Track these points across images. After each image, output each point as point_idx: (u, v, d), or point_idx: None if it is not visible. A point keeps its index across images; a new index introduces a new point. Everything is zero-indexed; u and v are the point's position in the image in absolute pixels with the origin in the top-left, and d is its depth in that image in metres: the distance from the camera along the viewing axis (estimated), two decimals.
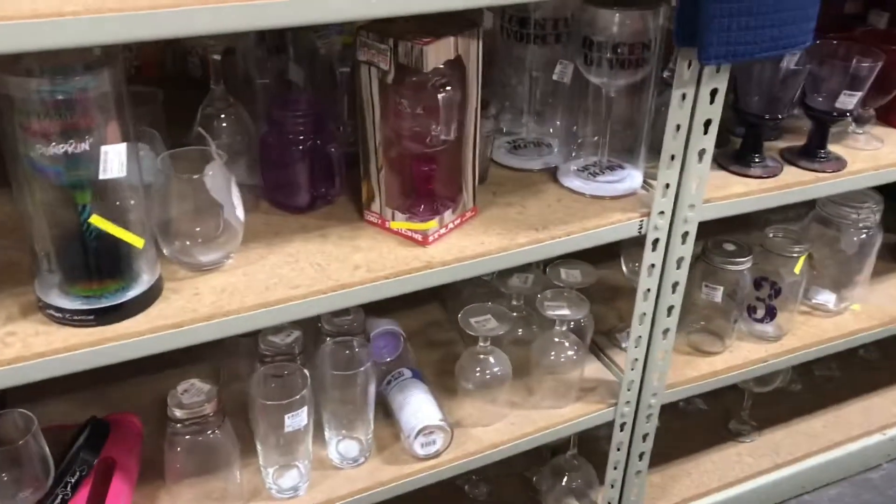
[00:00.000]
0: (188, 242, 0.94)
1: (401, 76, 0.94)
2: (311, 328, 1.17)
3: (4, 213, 1.04)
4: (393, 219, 1.04)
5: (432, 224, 1.01)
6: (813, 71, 1.20)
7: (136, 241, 0.86)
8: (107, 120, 0.79)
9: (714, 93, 1.03)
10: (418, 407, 1.17)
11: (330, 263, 0.98)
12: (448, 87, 0.95)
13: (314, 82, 1.15)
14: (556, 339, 1.23)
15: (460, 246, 1.03)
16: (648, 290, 1.18)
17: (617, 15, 1.03)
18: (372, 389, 1.12)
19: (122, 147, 0.80)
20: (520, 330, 1.32)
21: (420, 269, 0.99)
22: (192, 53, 1.31)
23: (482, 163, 1.15)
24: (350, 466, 1.15)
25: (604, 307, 1.43)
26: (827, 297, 1.50)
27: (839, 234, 1.45)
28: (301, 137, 1.04)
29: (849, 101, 1.21)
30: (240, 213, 0.95)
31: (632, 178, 1.16)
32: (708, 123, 1.05)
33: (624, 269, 1.33)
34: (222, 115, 1.06)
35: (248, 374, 1.13)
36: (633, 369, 1.26)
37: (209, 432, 1.01)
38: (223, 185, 0.93)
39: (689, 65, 1.00)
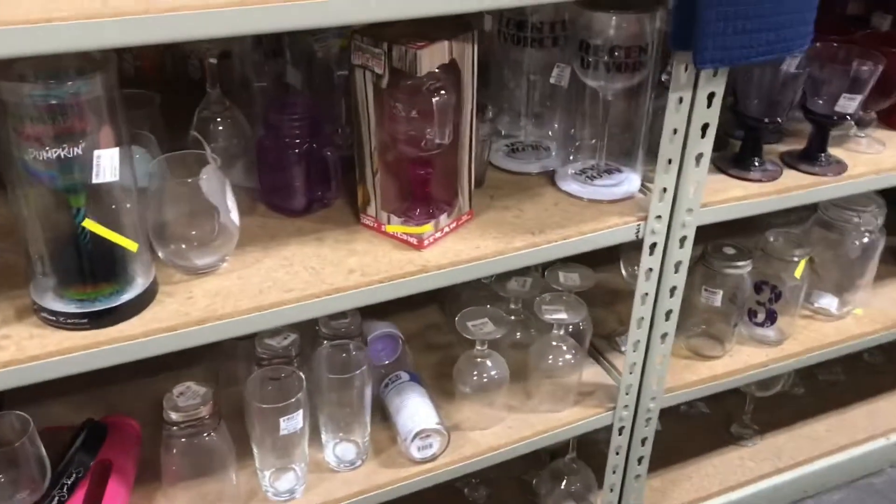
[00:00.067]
0: (183, 246, 0.94)
1: (395, 80, 0.94)
2: (309, 331, 1.17)
3: (0, 217, 1.04)
4: (389, 222, 1.04)
5: (427, 228, 1.01)
6: (813, 74, 1.19)
7: (130, 245, 0.86)
8: (100, 124, 0.80)
9: (711, 96, 1.02)
10: (415, 410, 1.17)
11: (325, 267, 0.98)
12: (442, 91, 0.95)
13: (312, 85, 1.15)
14: (554, 343, 1.23)
15: (456, 250, 1.02)
16: (646, 294, 1.18)
17: (613, 18, 1.02)
18: (368, 392, 1.12)
19: (114, 151, 0.80)
20: (518, 333, 1.32)
21: (415, 273, 0.99)
22: (192, 56, 1.31)
23: (479, 166, 1.15)
24: (347, 469, 1.15)
25: (604, 311, 1.43)
26: (829, 301, 1.49)
27: (841, 237, 1.44)
28: (297, 141, 1.04)
29: (849, 104, 1.20)
30: (235, 216, 0.95)
31: (629, 181, 1.16)
32: (705, 127, 1.05)
33: (623, 272, 1.33)
34: (218, 119, 1.07)
35: (245, 376, 1.13)
36: (631, 373, 1.25)
37: (205, 435, 1.01)
38: (218, 189, 0.93)
39: (686, 68, 0.99)
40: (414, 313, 1.45)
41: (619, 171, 1.18)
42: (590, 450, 1.45)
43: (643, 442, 1.35)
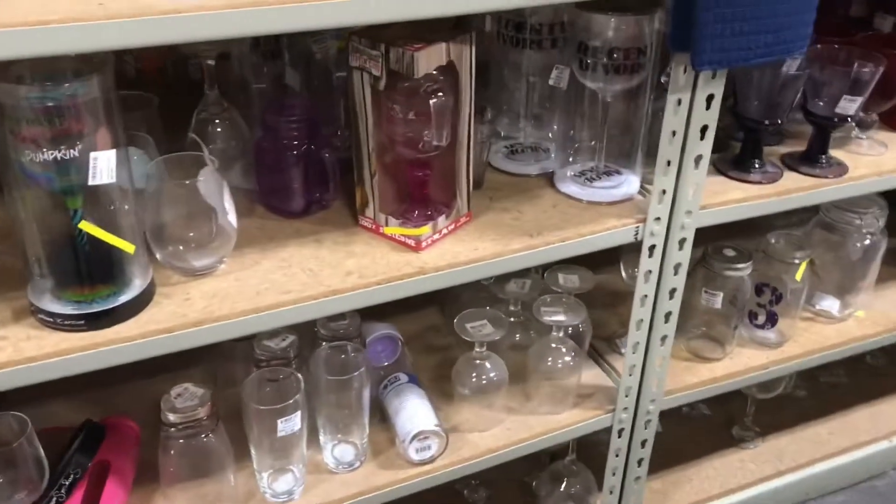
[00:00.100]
0: (181, 247, 0.94)
1: (393, 82, 0.94)
2: (308, 332, 1.17)
3: None
4: (386, 224, 1.04)
5: (425, 230, 1.01)
6: (813, 76, 1.19)
7: (128, 247, 0.86)
8: (97, 126, 0.80)
9: (710, 98, 1.02)
10: (414, 412, 1.17)
11: (322, 269, 0.98)
12: (440, 93, 0.95)
13: (310, 87, 1.15)
14: (554, 345, 1.23)
15: (454, 252, 1.02)
16: (645, 296, 1.17)
17: (612, 20, 1.02)
18: (367, 394, 1.12)
19: (111, 153, 0.81)
20: (517, 335, 1.32)
21: (412, 274, 0.98)
22: (193, 58, 1.32)
23: (478, 168, 1.15)
24: (345, 471, 1.15)
25: (604, 312, 1.42)
26: (830, 304, 1.48)
27: (843, 239, 1.43)
28: (295, 143, 1.04)
29: (850, 106, 1.19)
30: (232, 218, 0.95)
31: (629, 183, 1.16)
32: (704, 129, 1.05)
33: (623, 274, 1.32)
34: (216, 120, 1.07)
35: (244, 377, 1.13)
36: (630, 375, 1.25)
37: (203, 436, 1.01)
38: (216, 190, 0.93)
39: (685, 70, 0.99)
40: (414, 315, 1.45)
41: (619, 172, 1.17)
42: (590, 452, 1.44)
43: (643, 444, 1.35)
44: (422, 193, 1.06)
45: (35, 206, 0.83)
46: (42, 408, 1.15)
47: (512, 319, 1.30)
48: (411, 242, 1.02)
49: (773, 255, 1.35)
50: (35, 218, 0.83)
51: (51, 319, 0.85)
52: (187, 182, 0.91)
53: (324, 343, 1.14)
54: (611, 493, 1.40)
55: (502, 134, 1.27)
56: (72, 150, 0.78)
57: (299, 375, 1.07)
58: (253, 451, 1.09)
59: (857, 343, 1.46)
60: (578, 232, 1.07)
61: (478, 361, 1.20)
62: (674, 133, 1.04)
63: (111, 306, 0.87)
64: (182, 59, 1.35)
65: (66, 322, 0.85)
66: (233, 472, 1.07)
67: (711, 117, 1.04)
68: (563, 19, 1.13)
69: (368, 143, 1.00)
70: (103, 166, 0.80)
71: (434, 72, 0.93)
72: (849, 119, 1.22)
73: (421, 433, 1.14)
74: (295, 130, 1.04)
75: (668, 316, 1.20)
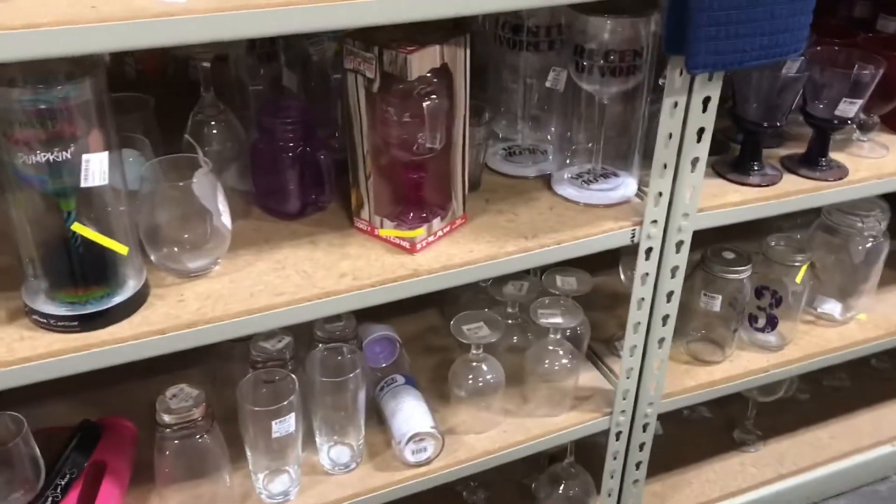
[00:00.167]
0: (175, 249, 0.94)
1: (386, 84, 0.94)
2: (305, 334, 1.17)
3: None
4: (382, 226, 1.04)
5: (420, 232, 1.01)
6: (813, 78, 1.18)
7: (121, 249, 0.87)
8: (89, 128, 0.80)
9: (707, 101, 1.02)
10: (410, 414, 1.17)
11: (317, 271, 0.99)
12: (434, 96, 0.95)
13: (307, 89, 1.15)
14: (551, 347, 1.23)
15: (448, 254, 1.02)
16: (643, 299, 1.17)
17: (608, 22, 1.02)
18: (362, 396, 1.12)
19: (104, 155, 0.81)
20: (515, 337, 1.32)
21: (406, 276, 0.98)
22: (193, 59, 1.32)
23: (475, 170, 1.15)
24: (341, 472, 1.15)
25: (603, 315, 1.42)
26: (832, 307, 1.48)
27: (845, 242, 1.42)
28: (291, 144, 1.04)
29: (849, 108, 1.18)
30: (227, 219, 0.95)
31: (626, 185, 1.15)
32: (701, 132, 1.04)
33: (622, 276, 1.32)
34: (212, 122, 1.07)
35: (241, 378, 1.13)
36: (628, 378, 1.25)
37: (198, 437, 1.02)
38: (210, 192, 0.93)
39: (681, 72, 0.98)
40: (413, 316, 1.45)
41: (616, 175, 1.17)
42: (589, 454, 1.44)
43: (641, 447, 1.34)
44: (417, 196, 1.06)
45: (28, 208, 0.83)
46: (40, 408, 1.15)
47: (510, 321, 1.30)
48: (406, 244, 1.02)
49: (773, 258, 1.35)
50: (28, 220, 0.84)
51: (44, 320, 0.86)
52: (181, 184, 0.91)
53: (320, 345, 1.15)
54: (609, 495, 1.39)
55: (500, 135, 1.27)
56: (64, 153, 0.79)
57: (294, 377, 1.07)
58: (248, 452, 1.10)
59: (858, 346, 1.45)
60: (574, 234, 1.07)
61: (474, 363, 1.20)
62: (670, 136, 1.04)
63: (105, 307, 0.87)
64: (182, 61, 1.35)
65: (59, 323, 0.86)
66: (228, 473, 1.08)
67: (708, 120, 1.03)
68: (560, 21, 1.13)
69: (363, 145, 1.00)
70: (95, 168, 0.80)
71: (428, 74, 0.93)
72: (849, 121, 1.21)
73: (417, 435, 1.14)
74: (291, 132, 1.04)
75: (665, 319, 1.20)
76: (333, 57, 1.14)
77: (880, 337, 1.46)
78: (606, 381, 1.32)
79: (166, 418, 0.99)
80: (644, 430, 1.32)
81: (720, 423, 1.70)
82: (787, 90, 1.16)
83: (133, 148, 0.99)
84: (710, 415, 1.71)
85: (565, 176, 1.17)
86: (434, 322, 1.46)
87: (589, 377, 1.32)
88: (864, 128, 1.32)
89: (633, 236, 1.10)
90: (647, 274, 1.14)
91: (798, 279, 1.33)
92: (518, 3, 0.97)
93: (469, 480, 1.48)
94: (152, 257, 0.94)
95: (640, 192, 1.14)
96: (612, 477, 1.37)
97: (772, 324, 1.37)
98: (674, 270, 1.15)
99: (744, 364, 1.37)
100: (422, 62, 0.91)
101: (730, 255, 1.31)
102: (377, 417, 1.22)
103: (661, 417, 1.34)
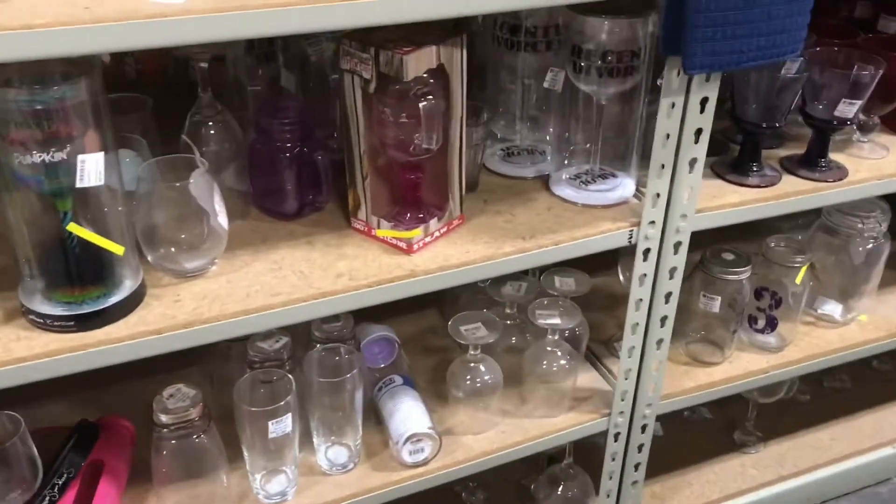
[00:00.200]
0: (172, 249, 0.95)
1: (383, 85, 0.94)
2: (302, 334, 1.17)
3: None
4: (378, 227, 1.04)
5: (416, 232, 1.01)
6: (812, 78, 1.18)
7: (117, 249, 0.87)
8: (86, 129, 0.80)
9: (704, 101, 1.02)
10: (408, 414, 1.17)
11: (313, 271, 0.99)
12: (430, 97, 0.95)
13: (306, 89, 1.15)
14: (549, 348, 1.23)
15: (445, 254, 1.02)
16: (641, 299, 1.17)
17: (605, 23, 1.02)
18: (360, 396, 1.12)
19: (100, 156, 0.81)
20: (513, 338, 1.31)
21: (403, 277, 0.98)
22: (193, 60, 1.32)
23: (472, 170, 1.15)
24: (338, 472, 1.15)
25: (602, 315, 1.42)
26: (833, 308, 1.47)
27: (845, 243, 1.42)
28: (289, 145, 1.04)
29: (849, 109, 1.18)
30: (223, 220, 0.96)
31: (624, 186, 1.15)
32: (699, 132, 1.04)
33: (621, 277, 1.32)
34: (210, 123, 1.07)
35: (239, 378, 1.13)
36: (626, 379, 1.24)
37: (195, 437, 1.02)
38: (207, 193, 0.93)
39: (678, 73, 0.98)
40: (412, 316, 1.45)
41: (614, 175, 1.17)
42: (589, 455, 1.44)
43: (640, 448, 1.34)
44: (414, 196, 1.06)
45: (25, 208, 0.83)
46: (38, 408, 1.16)
47: (508, 322, 1.30)
48: (403, 245, 1.02)
49: (773, 259, 1.34)
50: (25, 220, 0.84)
51: (41, 320, 0.86)
52: (178, 184, 0.91)
53: (317, 345, 1.15)
54: (608, 497, 1.39)
55: (498, 136, 1.27)
56: (60, 153, 0.79)
57: (291, 377, 1.07)
58: (245, 453, 1.10)
59: (859, 348, 1.44)
60: (571, 235, 1.07)
61: (472, 364, 1.20)
62: (668, 136, 1.03)
63: (101, 307, 0.87)
64: (183, 61, 1.35)
65: (56, 323, 0.86)
66: (226, 473, 1.08)
67: (706, 120, 1.03)
68: (558, 22, 1.13)
69: (360, 146, 1.00)
70: (91, 169, 0.80)
71: (424, 75, 0.93)
72: (848, 122, 1.21)
73: (414, 436, 1.14)
74: (289, 133, 1.04)
75: (663, 320, 1.19)
76: (332, 57, 1.14)
77: (881, 338, 1.46)
78: (605, 381, 1.31)
79: (163, 418, 1.00)
80: (643, 432, 1.31)
81: (721, 425, 1.69)
82: (786, 91, 1.15)
83: (130, 148, 0.99)
84: (710, 416, 1.71)
85: (563, 176, 1.17)
86: (433, 322, 1.45)
87: (587, 378, 1.32)
88: (863, 128, 1.31)
89: (631, 237, 1.10)
90: (644, 275, 1.14)
91: (798, 280, 1.33)
92: (518, 3, 0.97)
93: (468, 481, 1.48)
94: (149, 257, 0.95)
95: (639, 193, 1.14)
96: (610, 478, 1.37)
97: (771, 325, 1.37)
98: (672, 271, 1.15)
99: (743, 365, 1.37)
100: (418, 63, 0.91)
101: (729, 256, 1.30)
102: (375, 418, 1.22)
103: (662, 418, 1.34)
